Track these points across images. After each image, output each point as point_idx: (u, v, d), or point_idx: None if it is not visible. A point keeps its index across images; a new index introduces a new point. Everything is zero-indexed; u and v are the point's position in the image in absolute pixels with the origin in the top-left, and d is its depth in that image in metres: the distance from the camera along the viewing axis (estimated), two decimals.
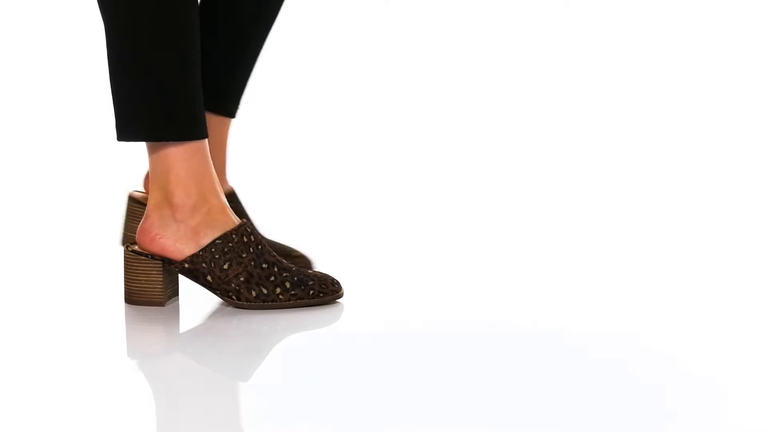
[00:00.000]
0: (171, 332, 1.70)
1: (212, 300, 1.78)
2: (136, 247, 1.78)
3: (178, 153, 1.74)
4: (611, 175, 2.95)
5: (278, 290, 1.76)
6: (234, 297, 1.76)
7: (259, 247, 1.77)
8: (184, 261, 1.76)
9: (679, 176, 2.93)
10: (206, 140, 1.76)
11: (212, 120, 1.88)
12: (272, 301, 1.76)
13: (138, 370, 1.54)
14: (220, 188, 1.77)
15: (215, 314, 1.76)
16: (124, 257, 1.78)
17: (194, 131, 1.74)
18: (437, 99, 3.33)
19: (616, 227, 2.44)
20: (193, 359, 1.60)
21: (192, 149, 1.74)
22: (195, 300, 1.82)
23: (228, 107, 1.91)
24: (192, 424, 1.34)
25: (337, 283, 1.80)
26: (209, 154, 1.76)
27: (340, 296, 1.80)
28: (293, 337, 1.67)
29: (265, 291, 1.76)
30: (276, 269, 1.77)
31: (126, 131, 1.74)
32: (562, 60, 3.46)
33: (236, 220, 1.77)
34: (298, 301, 1.77)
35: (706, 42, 3.47)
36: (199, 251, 1.75)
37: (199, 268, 1.75)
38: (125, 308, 1.79)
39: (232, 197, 1.91)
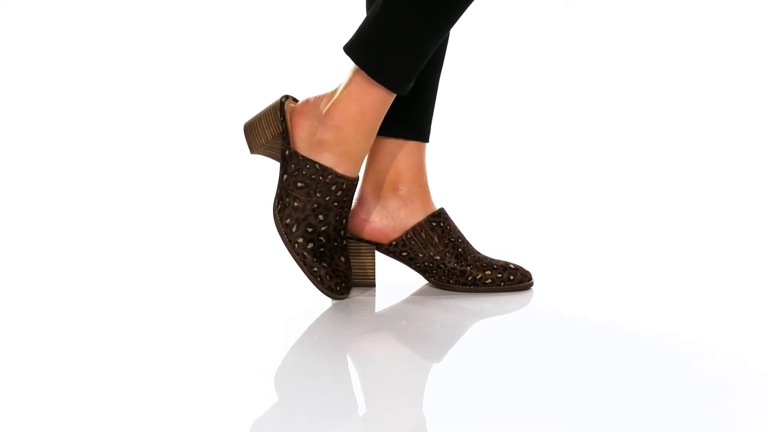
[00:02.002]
0: (169, 333, 1.70)
1: (213, 301, 1.78)
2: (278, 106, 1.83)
3: (369, 91, 1.78)
4: (618, 178, 2.95)
5: (306, 244, 1.78)
6: (279, 216, 1.79)
7: (336, 204, 1.79)
8: (288, 151, 1.80)
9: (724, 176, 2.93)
10: (393, 98, 1.79)
11: (408, 146, 1.90)
12: (290, 242, 1.78)
13: (138, 370, 1.54)
14: (366, 148, 1.81)
15: (215, 315, 1.76)
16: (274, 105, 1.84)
17: (400, 86, 1.78)
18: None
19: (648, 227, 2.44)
20: (193, 359, 1.60)
21: (381, 100, 1.79)
22: (195, 300, 1.82)
23: (425, 132, 1.94)
24: (192, 423, 1.34)
25: (345, 289, 1.80)
26: (382, 117, 1.80)
27: (339, 299, 1.80)
28: (297, 336, 1.67)
29: (300, 239, 1.78)
30: (323, 228, 1.79)
31: (354, 49, 1.78)
32: (562, 60, 3.46)
33: (349, 169, 1.80)
34: (304, 266, 1.78)
35: (706, 42, 3.48)
36: (301, 157, 1.79)
37: (291, 172, 1.79)
38: (125, 309, 1.79)
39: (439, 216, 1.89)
